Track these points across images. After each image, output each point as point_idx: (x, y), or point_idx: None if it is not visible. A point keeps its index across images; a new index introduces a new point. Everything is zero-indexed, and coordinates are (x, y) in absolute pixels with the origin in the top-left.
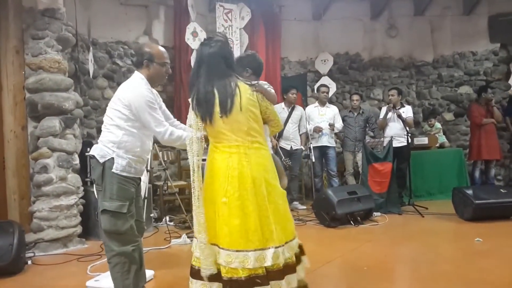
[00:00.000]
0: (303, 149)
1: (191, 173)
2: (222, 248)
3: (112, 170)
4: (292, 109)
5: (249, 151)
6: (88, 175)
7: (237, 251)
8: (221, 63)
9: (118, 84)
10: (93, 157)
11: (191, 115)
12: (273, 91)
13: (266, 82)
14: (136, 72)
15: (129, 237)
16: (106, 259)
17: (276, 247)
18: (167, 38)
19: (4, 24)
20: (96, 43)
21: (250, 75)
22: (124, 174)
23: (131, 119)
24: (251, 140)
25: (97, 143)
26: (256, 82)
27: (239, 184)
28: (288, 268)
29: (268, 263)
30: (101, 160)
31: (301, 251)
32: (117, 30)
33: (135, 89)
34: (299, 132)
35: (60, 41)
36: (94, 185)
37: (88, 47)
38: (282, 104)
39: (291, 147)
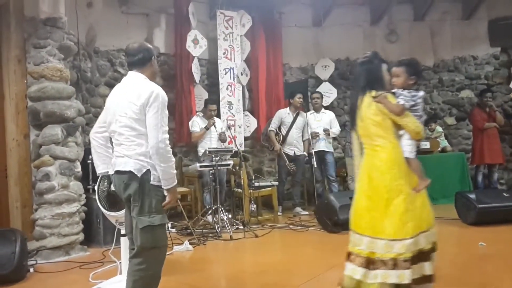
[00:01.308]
0: (306, 155)
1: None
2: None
3: (151, 183)
4: (297, 115)
5: (371, 153)
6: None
7: (356, 233)
8: (363, 80)
9: None
10: (125, 172)
11: None
12: (400, 101)
13: (401, 91)
14: (135, 73)
15: (163, 253)
16: (107, 266)
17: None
18: (168, 45)
19: (6, 33)
20: (97, 51)
21: (414, 79)
22: (160, 184)
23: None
24: (373, 144)
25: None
26: (380, 93)
27: (362, 179)
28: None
29: (379, 251)
30: (139, 174)
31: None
32: (119, 38)
33: (150, 87)
34: (302, 138)
35: (62, 50)
36: (130, 201)
37: (90, 55)
38: (288, 109)
39: (294, 152)
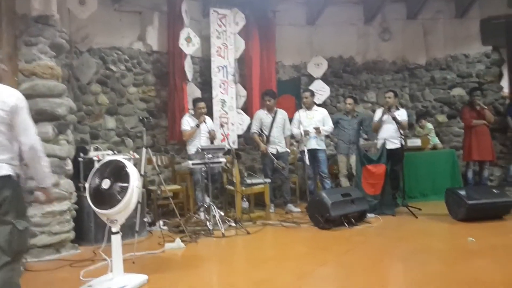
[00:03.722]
0: (289, 151)
1: None
2: None
3: (22, 186)
4: (275, 113)
5: None
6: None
7: None
8: None
9: (112, 90)
10: (4, 176)
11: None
12: None
13: None
14: None
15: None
16: (98, 264)
17: None
18: (161, 43)
19: None
20: (90, 49)
21: None
22: (26, 189)
23: (12, 126)
24: None
25: (90, 148)
26: None
27: None
28: None
29: None
30: (14, 178)
31: None
32: (111, 36)
33: (13, 91)
34: (284, 135)
35: (54, 48)
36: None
37: (82, 53)
38: (265, 109)
39: (277, 150)
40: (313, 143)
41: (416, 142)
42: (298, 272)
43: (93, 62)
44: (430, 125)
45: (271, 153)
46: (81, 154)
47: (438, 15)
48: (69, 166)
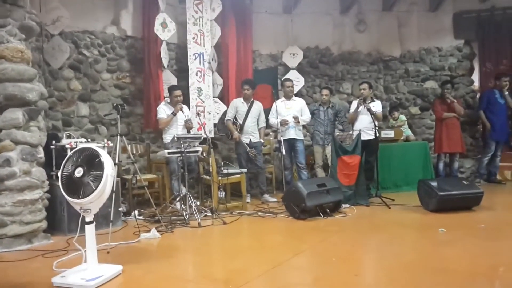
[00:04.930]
0: (262, 142)
1: None
2: None
3: None
4: (252, 103)
5: None
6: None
7: None
8: None
9: (85, 75)
10: None
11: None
12: None
13: None
14: None
15: None
16: (72, 254)
17: None
18: (135, 28)
19: None
20: (61, 33)
21: None
22: None
23: None
24: None
25: (63, 136)
26: None
27: None
28: None
29: None
30: None
31: None
32: (84, 20)
33: None
34: (258, 126)
35: (23, 30)
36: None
37: (53, 36)
38: (241, 98)
39: (250, 140)
40: (292, 133)
41: (389, 133)
42: (273, 261)
43: (66, 46)
44: (403, 117)
45: (245, 142)
46: (53, 142)
47: (413, 8)
48: (41, 153)
